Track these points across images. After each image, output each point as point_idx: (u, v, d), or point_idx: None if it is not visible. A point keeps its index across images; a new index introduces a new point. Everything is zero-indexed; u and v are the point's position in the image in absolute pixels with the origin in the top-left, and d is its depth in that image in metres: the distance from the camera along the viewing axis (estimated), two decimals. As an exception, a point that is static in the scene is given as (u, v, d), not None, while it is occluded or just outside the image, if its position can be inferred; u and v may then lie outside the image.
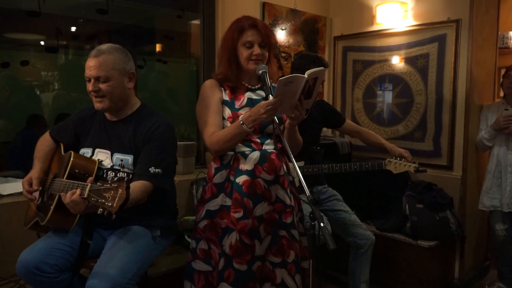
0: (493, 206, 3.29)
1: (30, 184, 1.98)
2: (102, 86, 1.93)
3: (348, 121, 3.11)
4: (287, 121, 2.00)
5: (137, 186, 1.83)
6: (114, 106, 2.00)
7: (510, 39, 4.00)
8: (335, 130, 3.35)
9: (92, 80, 1.93)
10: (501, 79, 3.38)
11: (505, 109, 3.17)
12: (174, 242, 2.69)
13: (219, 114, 2.06)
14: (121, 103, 2.02)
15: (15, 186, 2.53)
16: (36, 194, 1.98)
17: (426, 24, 3.51)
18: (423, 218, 3.23)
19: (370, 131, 3.23)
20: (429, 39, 3.50)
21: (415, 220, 3.24)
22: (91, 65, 1.91)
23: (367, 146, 3.37)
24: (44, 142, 2.18)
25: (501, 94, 3.54)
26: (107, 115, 2.08)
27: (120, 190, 1.54)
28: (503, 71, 3.41)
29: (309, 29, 4.03)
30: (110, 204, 1.53)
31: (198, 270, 2.09)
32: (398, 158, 2.73)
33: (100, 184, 1.59)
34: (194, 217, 2.22)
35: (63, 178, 1.86)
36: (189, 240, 2.72)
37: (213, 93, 2.07)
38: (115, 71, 1.95)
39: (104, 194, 1.56)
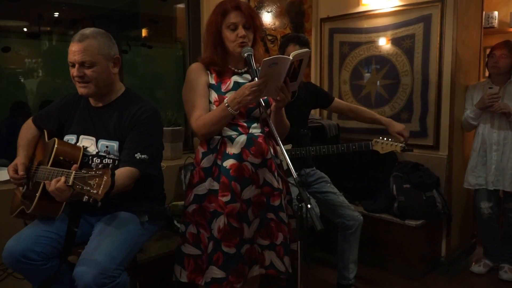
0: (478, 184, 3.34)
1: (15, 171, 1.96)
2: (87, 71, 1.90)
3: (337, 100, 3.07)
4: (273, 104, 2.00)
5: (123, 172, 1.82)
6: (99, 92, 1.97)
7: (495, 19, 4.00)
8: (325, 110, 3.33)
9: (77, 65, 1.89)
10: (486, 59, 3.40)
11: (489, 88, 3.19)
12: (164, 228, 2.70)
13: (206, 97, 2.05)
14: (106, 89, 2.00)
15: (0, 175, 2.50)
16: (22, 181, 1.96)
17: (412, 4, 3.50)
18: (410, 198, 3.27)
19: (363, 107, 3.18)
20: (415, 19, 3.50)
21: (402, 200, 3.28)
22: (76, 50, 1.88)
23: (355, 128, 3.38)
24: (28, 130, 2.15)
25: (487, 74, 3.57)
26: (91, 101, 2.05)
27: (105, 177, 1.53)
28: (488, 51, 3.43)
29: (295, 11, 4.00)
30: (95, 191, 1.52)
31: (187, 254, 2.10)
32: (385, 138, 2.73)
33: (85, 171, 1.58)
34: (183, 202, 2.22)
35: (47, 165, 1.84)
36: (178, 225, 2.73)
37: (199, 77, 2.06)
38: (100, 56, 1.91)
39: (89, 182, 1.54)
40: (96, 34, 1.93)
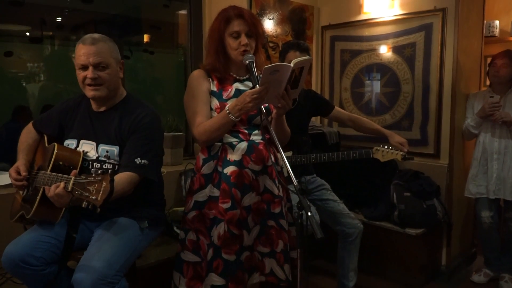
0: (479, 193, 3.33)
1: (18, 172, 1.96)
2: (101, 73, 1.90)
3: (338, 109, 3.07)
4: (274, 111, 2.00)
5: (123, 177, 1.82)
6: (108, 95, 1.98)
7: (496, 28, 4.01)
8: (325, 118, 3.33)
9: (91, 68, 1.89)
10: (487, 68, 3.40)
11: (490, 97, 3.20)
12: (163, 234, 2.70)
13: (207, 104, 2.05)
14: (113, 93, 2.01)
15: (0, 179, 2.50)
16: (25, 182, 1.95)
17: (413, 13, 3.51)
18: (410, 206, 3.26)
19: (364, 118, 3.16)
20: (416, 28, 3.51)
21: (403, 208, 3.27)
22: (90, 52, 1.88)
23: (355, 135, 3.38)
24: (28, 134, 2.15)
25: (487, 82, 3.57)
26: (93, 105, 2.05)
27: (104, 183, 1.53)
28: (489, 60, 3.43)
29: (297, 19, 4.02)
30: (94, 197, 1.52)
31: (187, 261, 2.09)
32: (386, 146, 2.73)
33: (84, 177, 1.57)
34: (183, 208, 2.22)
35: (47, 170, 1.84)
36: (178, 231, 2.72)
37: (201, 84, 2.06)
38: (112, 59, 1.94)
39: (88, 187, 1.54)
40: (105, 39, 1.95)
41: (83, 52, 1.89)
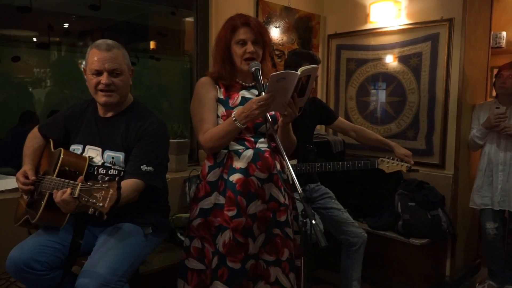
0: (484, 204, 3.31)
1: (26, 177, 1.95)
2: (115, 80, 1.91)
3: (341, 119, 3.08)
4: (280, 119, 2.00)
5: (128, 184, 1.82)
6: (119, 101, 1.99)
7: (503, 39, 4.02)
8: (328, 127, 3.34)
9: (106, 73, 1.89)
10: (494, 79, 3.40)
11: (496, 108, 3.19)
12: (167, 240, 2.69)
13: (214, 111, 2.05)
14: (123, 99, 2.02)
15: (5, 183, 2.50)
16: (32, 186, 1.94)
17: (420, 23, 3.52)
18: (415, 216, 3.24)
19: (366, 129, 3.15)
20: (422, 38, 3.51)
21: (407, 218, 3.25)
22: (105, 58, 1.88)
23: (360, 144, 3.37)
24: (33, 139, 2.14)
25: (494, 93, 3.56)
26: (100, 111, 2.06)
27: (111, 190, 1.52)
28: (495, 71, 3.43)
29: (303, 27, 4.03)
30: (101, 204, 1.51)
31: (191, 268, 2.08)
32: (391, 158, 2.72)
33: (91, 183, 1.57)
34: (187, 215, 2.21)
35: (53, 175, 1.84)
36: (181, 237, 2.71)
37: (207, 91, 2.07)
38: (125, 66, 1.96)
39: (95, 194, 1.54)
40: (118, 45, 1.96)
41: (98, 57, 1.89)
